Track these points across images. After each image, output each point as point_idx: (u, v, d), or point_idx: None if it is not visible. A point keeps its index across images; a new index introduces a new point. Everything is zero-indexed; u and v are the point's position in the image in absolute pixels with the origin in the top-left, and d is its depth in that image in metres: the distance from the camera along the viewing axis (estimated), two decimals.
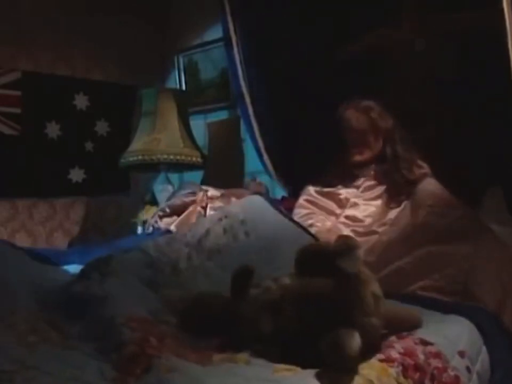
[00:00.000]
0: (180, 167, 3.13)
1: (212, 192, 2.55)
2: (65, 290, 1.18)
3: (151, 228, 2.50)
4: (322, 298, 0.97)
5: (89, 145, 3.40)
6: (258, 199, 1.80)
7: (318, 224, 1.94)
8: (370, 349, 0.96)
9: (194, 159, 2.93)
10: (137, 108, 3.22)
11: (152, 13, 3.62)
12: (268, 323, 0.99)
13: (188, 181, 3.22)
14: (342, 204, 1.99)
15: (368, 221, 1.89)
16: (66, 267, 1.54)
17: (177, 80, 3.58)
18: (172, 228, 2.29)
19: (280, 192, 2.84)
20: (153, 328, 1.03)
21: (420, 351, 1.03)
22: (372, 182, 2.00)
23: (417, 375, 0.97)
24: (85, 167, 3.37)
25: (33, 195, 3.21)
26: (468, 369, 1.13)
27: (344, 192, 2.02)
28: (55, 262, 1.55)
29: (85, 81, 3.39)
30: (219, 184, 2.68)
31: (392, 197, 1.92)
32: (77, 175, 3.35)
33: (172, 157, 2.86)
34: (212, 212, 2.35)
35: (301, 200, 2.08)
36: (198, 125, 3.26)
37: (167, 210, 2.50)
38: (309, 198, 2.06)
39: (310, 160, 2.26)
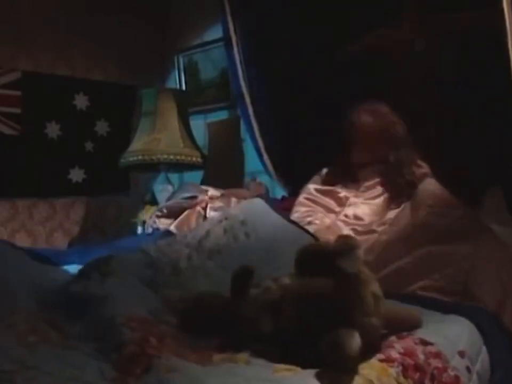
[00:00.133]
0: (180, 167, 3.13)
1: (212, 192, 2.55)
2: (65, 290, 1.18)
3: (150, 228, 2.50)
4: (322, 298, 0.97)
5: (89, 145, 3.40)
6: (258, 202, 1.80)
7: (317, 221, 1.94)
8: (370, 349, 0.96)
9: (194, 159, 2.93)
10: (137, 108, 3.23)
11: (152, 13, 3.63)
12: (267, 323, 0.99)
13: (188, 182, 3.22)
14: (341, 202, 2.00)
15: (367, 219, 1.89)
16: (66, 267, 1.54)
17: (177, 80, 3.58)
18: (172, 228, 2.29)
19: (280, 192, 2.84)
20: (153, 328, 1.03)
21: (419, 351, 1.03)
22: (372, 182, 2.00)
23: (417, 375, 0.97)
24: (85, 167, 3.37)
25: (33, 195, 3.21)
26: (468, 369, 1.13)
27: (343, 191, 2.02)
28: (55, 262, 1.55)
29: (85, 81, 3.39)
30: (219, 184, 2.69)
31: (393, 198, 1.92)
32: (77, 175, 3.36)
33: (171, 157, 2.86)
34: (212, 212, 2.35)
35: (301, 198, 2.08)
36: (198, 125, 3.26)
37: (164, 211, 2.51)
38: (309, 196, 2.06)
39: (310, 160, 2.26)
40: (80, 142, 3.38)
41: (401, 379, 0.94)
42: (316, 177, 2.14)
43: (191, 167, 3.05)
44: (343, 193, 2.01)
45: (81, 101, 3.38)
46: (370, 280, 1.00)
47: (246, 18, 2.89)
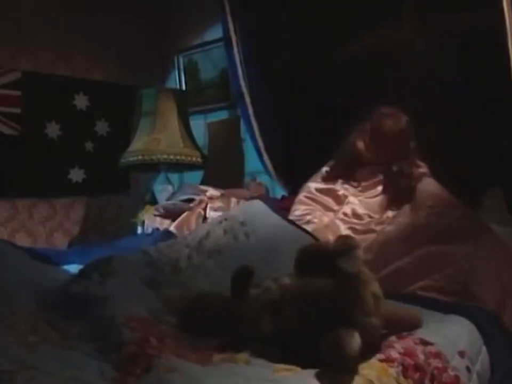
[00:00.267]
0: (180, 167, 3.13)
1: (211, 192, 2.56)
2: (65, 290, 1.18)
3: (150, 228, 2.50)
4: (322, 298, 0.97)
5: (89, 145, 3.40)
6: (257, 203, 1.80)
7: (315, 220, 1.94)
8: (370, 349, 0.96)
9: (194, 159, 2.94)
10: (137, 108, 3.23)
11: (152, 13, 3.63)
12: (267, 323, 0.99)
13: (187, 182, 3.22)
14: (340, 200, 2.00)
15: (366, 218, 1.89)
16: (66, 267, 1.54)
17: (177, 80, 3.58)
18: (172, 228, 2.29)
19: (280, 192, 2.84)
20: (153, 328, 1.03)
21: (420, 351, 1.03)
22: (370, 182, 2.00)
23: (417, 375, 0.97)
24: (85, 167, 3.37)
25: (33, 195, 3.21)
26: (468, 369, 1.13)
27: (342, 189, 2.02)
28: (55, 261, 1.55)
29: (85, 81, 3.39)
30: (219, 184, 2.69)
31: (393, 200, 1.92)
32: (77, 175, 3.36)
33: (172, 157, 2.86)
34: (211, 212, 2.35)
35: (301, 196, 2.08)
36: (198, 125, 3.26)
37: (161, 210, 2.51)
38: (309, 194, 2.06)
39: (310, 160, 2.26)
40: (80, 142, 3.38)
41: (401, 379, 0.94)
42: (316, 176, 2.14)
43: (191, 167, 3.05)
44: (341, 191, 2.01)
45: (81, 101, 3.38)
46: (370, 280, 1.00)
47: (246, 18, 2.89)
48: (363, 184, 2.00)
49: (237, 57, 2.93)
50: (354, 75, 2.37)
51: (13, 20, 3.10)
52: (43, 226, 3.25)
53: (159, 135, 2.91)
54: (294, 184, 2.43)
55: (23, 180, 3.15)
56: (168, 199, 2.78)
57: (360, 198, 1.96)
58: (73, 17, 3.30)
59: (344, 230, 1.85)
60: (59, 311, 1.11)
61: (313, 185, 2.09)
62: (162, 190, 3.02)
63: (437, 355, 1.05)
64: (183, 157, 2.89)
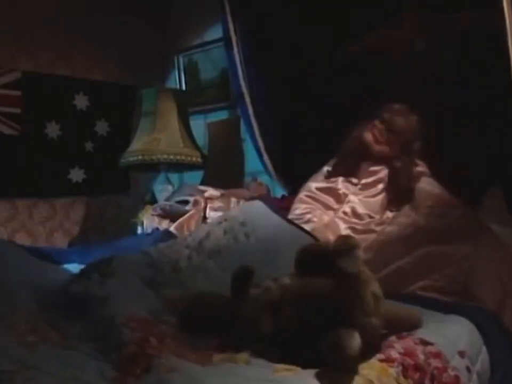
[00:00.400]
0: (180, 167, 3.13)
1: (211, 192, 2.56)
2: (65, 290, 1.18)
3: (149, 228, 2.50)
4: (322, 298, 0.97)
5: (89, 145, 3.40)
6: (257, 203, 1.80)
7: (315, 219, 1.94)
8: (370, 349, 0.96)
9: (194, 159, 2.94)
10: (137, 108, 3.23)
11: (152, 13, 3.63)
12: (268, 323, 0.99)
13: (187, 183, 3.22)
14: (340, 199, 1.99)
15: (366, 218, 1.89)
16: (66, 266, 1.54)
17: (177, 80, 3.58)
18: (172, 229, 2.29)
19: (280, 192, 2.84)
20: (153, 328, 1.03)
21: (420, 351, 1.03)
22: (371, 180, 1.99)
23: (417, 375, 0.97)
24: (85, 167, 3.37)
25: (33, 195, 3.21)
26: (468, 369, 1.13)
27: (343, 187, 2.02)
28: (55, 260, 1.56)
29: (85, 81, 3.39)
30: (219, 184, 2.69)
31: (392, 200, 1.92)
32: (77, 175, 3.36)
33: (172, 157, 2.86)
34: (211, 212, 2.35)
35: (301, 195, 2.08)
36: (198, 125, 3.26)
37: (159, 210, 2.52)
38: (309, 193, 2.06)
39: (310, 160, 2.26)
40: (80, 142, 3.38)
41: (401, 379, 0.94)
42: (317, 176, 2.14)
43: (191, 167, 3.05)
44: (342, 190, 2.01)
45: (81, 101, 3.38)
46: (370, 280, 1.00)
47: (246, 18, 2.89)
48: (363, 181, 2.00)
49: (237, 57, 2.93)
50: (354, 75, 2.37)
51: (13, 19, 3.10)
52: (43, 226, 3.25)
53: (159, 135, 2.91)
54: (294, 184, 2.43)
55: (23, 180, 3.15)
56: (167, 199, 2.78)
57: (360, 197, 1.96)
58: (73, 17, 3.30)
59: (344, 229, 1.85)
60: (59, 311, 1.11)
61: (314, 184, 2.09)
62: (162, 190, 3.02)
63: (437, 355, 1.05)
64: (183, 157, 2.90)
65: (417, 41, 2.33)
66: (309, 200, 2.04)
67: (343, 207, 1.95)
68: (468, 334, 1.23)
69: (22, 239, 3.06)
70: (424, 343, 1.07)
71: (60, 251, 1.97)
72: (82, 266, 1.33)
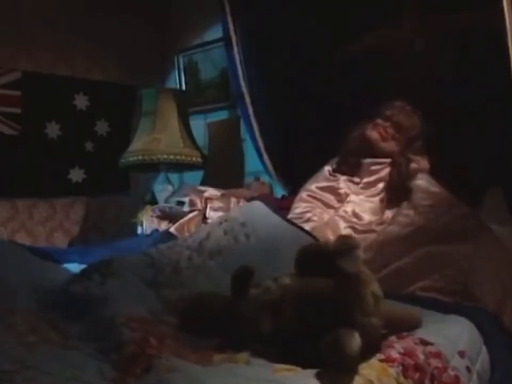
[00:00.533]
0: (180, 167, 3.13)
1: (211, 192, 2.56)
2: (65, 290, 1.18)
3: (149, 229, 2.51)
4: (322, 298, 0.97)
5: (89, 145, 3.41)
6: (258, 204, 1.80)
7: (315, 218, 1.93)
8: (370, 349, 0.95)
9: (194, 159, 2.94)
10: (137, 108, 3.23)
11: (152, 13, 3.63)
12: (268, 323, 0.99)
13: (186, 183, 3.22)
14: (341, 198, 1.99)
15: (366, 218, 1.89)
16: (66, 265, 1.54)
17: (177, 80, 3.58)
18: (172, 230, 2.29)
19: (280, 192, 2.84)
20: (153, 328, 1.03)
21: (420, 351, 1.03)
22: (372, 179, 1.99)
23: (417, 375, 0.97)
24: (85, 167, 3.38)
25: (33, 195, 3.21)
26: (468, 369, 1.12)
27: (344, 186, 2.01)
28: (56, 259, 1.56)
29: (85, 81, 3.40)
30: (219, 184, 2.69)
31: (391, 198, 1.92)
32: (77, 175, 3.36)
33: (172, 157, 2.86)
34: (211, 212, 2.35)
35: (301, 195, 2.08)
36: (198, 125, 3.26)
37: (158, 212, 2.52)
38: (309, 193, 2.06)
39: (310, 160, 2.26)
40: (80, 142, 3.38)
41: (401, 379, 0.94)
42: (317, 176, 2.14)
43: (191, 167, 3.06)
44: (343, 189, 2.01)
45: (81, 101, 3.38)
46: (370, 280, 1.00)
47: (246, 18, 2.89)
48: (365, 181, 2.00)
49: (237, 57, 2.93)
50: (354, 75, 2.37)
51: (13, 19, 3.10)
52: (43, 226, 3.25)
53: (159, 135, 2.91)
54: (294, 184, 2.43)
55: (23, 179, 3.16)
56: (167, 199, 2.78)
57: (361, 196, 1.96)
58: (73, 17, 3.30)
59: (344, 228, 1.85)
60: (59, 311, 1.11)
61: (315, 184, 2.08)
62: (162, 190, 3.02)
63: (437, 355, 1.05)
64: (183, 157, 2.90)
65: (417, 41, 2.33)
66: (309, 199, 2.04)
67: (343, 206, 1.95)
68: (468, 334, 1.23)
69: (22, 239, 3.06)
70: (424, 343, 1.07)
71: (60, 251, 1.97)
72: (82, 266, 1.33)
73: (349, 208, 1.93)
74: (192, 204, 2.45)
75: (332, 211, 1.96)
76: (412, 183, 1.79)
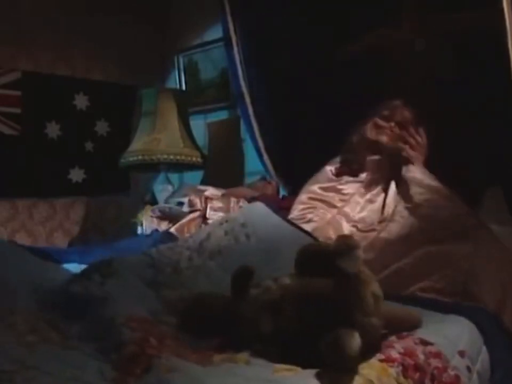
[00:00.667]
0: (180, 167, 3.13)
1: (212, 191, 2.56)
2: (65, 290, 1.18)
3: (148, 230, 2.51)
4: (322, 298, 0.97)
5: (89, 145, 3.41)
6: (258, 205, 1.80)
7: (316, 218, 1.93)
8: (370, 349, 0.95)
9: (194, 159, 2.94)
10: (137, 108, 3.23)
11: (152, 13, 3.63)
12: (268, 323, 0.99)
13: (186, 183, 3.22)
14: (344, 198, 1.99)
15: (368, 219, 1.88)
16: (66, 265, 1.54)
17: (177, 80, 3.58)
18: (172, 230, 2.29)
19: (280, 192, 2.84)
20: (153, 328, 1.03)
21: (420, 351, 1.03)
22: (374, 177, 1.99)
23: (417, 375, 0.97)
24: (85, 167, 3.38)
25: (33, 195, 3.21)
26: (468, 368, 1.12)
27: (347, 186, 2.01)
28: (56, 259, 1.56)
29: (85, 81, 3.40)
30: (219, 184, 2.69)
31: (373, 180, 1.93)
32: (77, 175, 3.36)
33: (172, 157, 2.86)
34: (211, 212, 2.35)
35: (302, 195, 2.07)
36: (198, 125, 3.26)
37: (158, 213, 2.52)
38: (311, 194, 2.05)
39: (310, 160, 2.26)
40: (80, 142, 3.38)
41: (401, 379, 0.94)
42: (318, 175, 2.13)
43: (191, 167, 3.06)
44: (347, 189, 2.00)
45: (81, 101, 3.38)
46: (370, 280, 1.00)
47: (246, 18, 2.89)
48: (368, 180, 1.99)
49: (237, 57, 2.93)
50: (354, 75, 2.37)
51: (13, 19, 3.10)
52: (43, 226, 3.25)
53: (159, 135, 2.91)
54: (294, 184, 2.44)
55: (23, 180, 3.16)
56: (167, 199, 2.78)
57: (364, 196, 1.96)
58: (73, 17, 3.30)
59: (346, 228, 1.85)
60: (59, 311, 1.11)
61: (317, 184, 2.08)
62: (162, 190, 3.02)
63: (437, 355, 1.05)
64: (183, 157, 2.90)
65: (417, 41, 2.33)
66: (311, 199, 2.03)
67: (346, 205, 1.95)
68: (468, 333, 1.23)
69: (22, 239, 3.06)
70: (424, 343, 1.07)
71: (60, 251, 1.97)
72: (82, 266, 1.33)
73: (352, 207, 1.92)
74: (191, 204, 2.45)
75: (334, 211, 1.96)
76: (405, 175, 1.79)
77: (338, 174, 2.09)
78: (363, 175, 2.01)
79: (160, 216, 2.54)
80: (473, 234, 1.60)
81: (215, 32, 3.24)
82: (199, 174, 3.19)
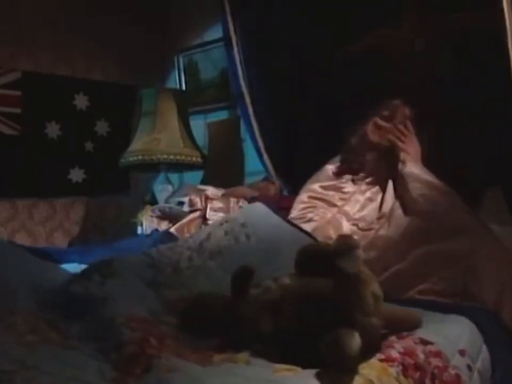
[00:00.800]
0: (180, 167, 3.13)
1: (212, 190, 2.56)
2: (65, 290, 1.18)
3: (148, 229, 2.51)
4: (322, 298, 0.97)
5: (89, 145, 3.41)
6: (258, 205, 1.80)
7: (317, 218, 1.93)
8: (370, 349, 0.96)
9: (194, 159, 2.94)
10: (137, 108, 3.23)
11: (152, 13, 3.63)
12: (268, 323, 0.99)
13: (186, 182, 3.22)
14: (344, 196, 1.99)
15: (368, 218, 1.88)
16: (66, 265, 1.54)
17: (177, 80, 3.58)
18: (172, 230, 2.29)
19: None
20: (153, 328, 1.03)
21: (420, 350, 1.03)
22: (374, 178, 1.99)
23: (417, 374, 0.97)
24: (85, 167, 3.38)
25: (33, 195, 3.21)
26: (469, 367, 1.13)
27: (348, 185, 2.01)
28: (56, 259, 1.56)
29: (85, 81, 3.40)
30: (219, 184, 2.69)
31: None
32: (77, 175, 3.36)
33: (172, 157, 2.87)
34: (212, 212, 2.36)
35: (303, 195, 2.07)
36: (198, 125, 3.26)
37: (158, 212, 2.52)
38: (312, 193, 2.05)
39: (310, 160, 2.26)
40: (80, 142, 3.38)
41: (402, 378, 0.94)
42: (318, 174, 2.13)
43: (191, 167, 3.06)
44: (347, 188, 2.00)
45: (81, 101, 3.38)
46: (370, 280, 1.00)
47: (246, 18, 2.89)
48: (368, 180, 1.99)
49: (237, 57, 2.93)
50: (354, 75, 2.37)
51: (13, 19, 3.10)
52: (43, 226, 3.25)
53: (159, 135, 2.91)
54: (294, 184, 2.44)
55: (23, 179, 3.16)
56: (167, 199, 2.78)
57: (365, 194, 1.95)
58: (73, 17, 3.30)
59: (346, 227, 1.85)
60: (59, 311, 1.11)
61: (317, 183, 2.08)
62: (162, 190, 3.02)
63: (437, 354, 1.05)
64: (183, 157, 2.90)
65: (417, 41, 2.33)
66: (311, 199, 2.03)
67: (346, 204, 1.95)
68: (468, 333, 1.23)
69: (22, 239, 3.06)
70: (424, 342, 1.07)
71: (60, 251, 1.98)
72: (82, 266, 1.33)
73: (352, 206, 1.92)
74: (192, 203, 2.45)
75: (335, 209, 1.96)
76: (402, 171, 1.79)
77: (339, 173, 2.09)
78: (362, 174, 2.01)
79: (160, 216, 2.54)
80: (472, 232, 1.60)
81: (215, 32, 3.24)
82: (199, 174, 3.19)
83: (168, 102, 2.97)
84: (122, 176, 3.41)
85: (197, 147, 3.01)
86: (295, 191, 2.24)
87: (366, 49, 2.40)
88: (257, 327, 1.00)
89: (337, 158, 2.15)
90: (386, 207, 1.84)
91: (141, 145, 2.92)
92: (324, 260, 0.99)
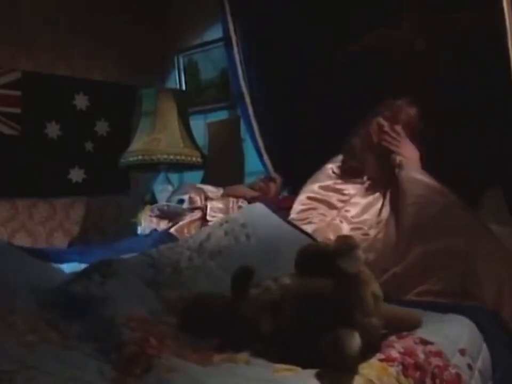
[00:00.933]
0: (180, 167, 3.13)
1: (211, 190, 2.56)
2: (65, 290, 1.18)
3: (147, 229, 2.51)
4: (322, 298, 0.97)
5: (89, 145, 3.41)
6: (258, 206, 1.80)
7: (316, 220, 1.93)
8: (370, 349, 0.95)
9: (194, 159, 2.94)
10: (137, 108, 3.23)
11: (152, 13, 3.63)
12: (268, 323, 0.99)
13: (186, 182, 3.22)
14: (344, 198, 1.98)
15: (368, 221, 1.88)
16: (66, 265, 1.54)
17: (177, 80, 3.58)
18: (172, 230, 2.29)
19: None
20: (153, 328, 1.03)
21: (420, 350, 1.03)
22: (373, 180, 1.98)
23: (417, 374, 0.97)
24: (85, 167, 3.38)
25: (33, 195, 3.21)
26: (469, 366, 1.12)
27: (348, 187, 2.01)
28: (55, 259, 1.56)
29: (85, 81, 3.40)
30: (219, 184, 2.69)
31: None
32: (77, 175, 3.36)
33: (172, 157, 2.87)
34: (211, 212, 2.36)
35: (303, 196, 2.07)
36: (198, 125, 3.26)
37: (156, 211, 2.52)
38: (311, 194, 2.05)
39: (310, 160, 2.26)
40: (80, 142, 3.38)
41: (402, 378, 0.94)
42: (318, 174, 2.13)
43: (191, 167, 3.06)
44: (348, 190, 2.00)
45: (81, 101, 3.38)
46: (370, 280, 1.00)
47: (246, 18, 2.89)
48: (369, 182, 1.99)
49: (237, 57, 2.93)
50: (354, 75, 2.37)
51: (13, 19, 3.10)
52: (43, 226, 3.25)
53: (159, 135, 2.91)
54: (294, 184, 2.43)
55: (23, 179, 3.16)
56: (167, 199, 2.78)
57: (365, 197, 1.95)
58: (73, 17, 3.30)
59: (346, 229, 1.85)
60: (59, 311, 1.11)
61: (317, 183, 2.08)
62: (162, 190, 3.02)
63: (437, 354, 1.05)
64: (183, 157, 2.90)
65: (417, 41, 2.33)
66: (311, 199, 2.03)
67: (346, 206, 1.94)
68: (468, 332, 1.23)
69: (22, 239, 3.06)
70: (424, 342, 1.07)
71: (60, 251, 1.98)
72: (82, 266, 1.33)
73: (352, 209, 1.92)
74: (192, 201, 2.45)
75: (334, 212, 1.95)
76: (399, 173, 1.79)
77: (339, 173, 2.08)
78: (364, 177, 2.00)
79: (159, 215, 2.54)
80: (471, 232, 1.60)
81: (215, 32, 3.24)
82: (199, 174, 3.19)
83: (168, 102, 2.97)
84: (122, 176, 3.41)
85: (197, 147, 3.02)
86: (295, 191, 2.24)
87: (366, 49, 2.40)
88: (257, 327, 1.00)
89: (338, 158, 2.15)
90: (386, 211, 1.84)
91: (141, 145, 2.92)
92: (324, 259, 0.99)
